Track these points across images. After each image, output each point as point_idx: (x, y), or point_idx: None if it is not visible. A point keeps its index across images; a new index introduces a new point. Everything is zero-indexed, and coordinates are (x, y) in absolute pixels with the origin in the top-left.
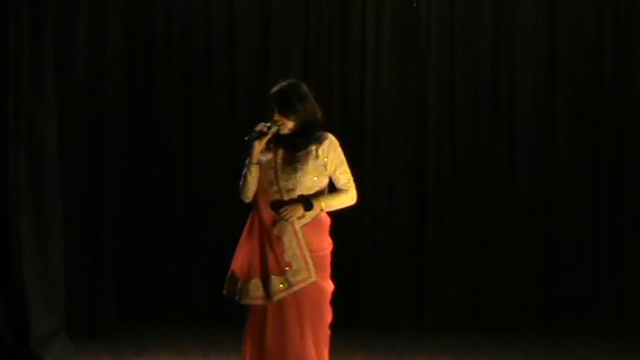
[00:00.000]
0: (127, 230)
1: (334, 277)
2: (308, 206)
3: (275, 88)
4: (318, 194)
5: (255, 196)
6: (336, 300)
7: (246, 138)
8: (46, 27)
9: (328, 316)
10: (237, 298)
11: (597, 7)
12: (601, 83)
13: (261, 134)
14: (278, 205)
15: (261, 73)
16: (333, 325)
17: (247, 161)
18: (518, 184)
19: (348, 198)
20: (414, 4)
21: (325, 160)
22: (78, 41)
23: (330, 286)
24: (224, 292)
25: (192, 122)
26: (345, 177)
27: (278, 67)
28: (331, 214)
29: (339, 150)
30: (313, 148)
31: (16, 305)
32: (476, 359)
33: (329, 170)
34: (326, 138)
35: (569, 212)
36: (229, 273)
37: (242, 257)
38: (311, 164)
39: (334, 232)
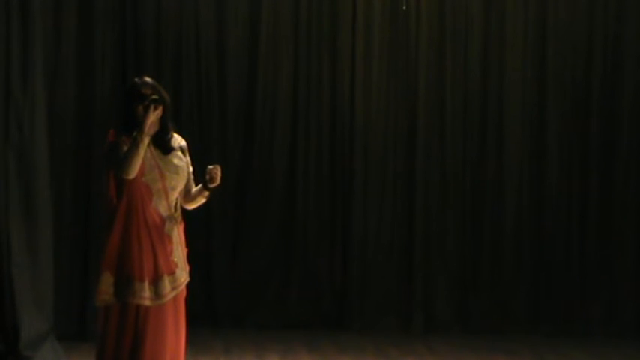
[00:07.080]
0: None
1: (323, 280)
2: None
3: (144, 79)
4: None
5: (130, 191)
6: (327, 303)
7: (150, 99)
8: (35, 31)
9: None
10: (122, 299)
11: (587, 13)
12: (590, 89)
13: (159, 101)
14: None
15: (250, 76)
16: (325, 327)
17: (135, 133)
18: (507, 188)
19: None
20: (404, 7)
21: (186, 161)
22: (67, 45)
23: None
24: (104, 296)
25: (181, 124)
26: (192, 180)
27: (268, 70)
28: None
29: None
30: (179, 149)
31: (5, 308)
32: None
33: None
34: (182, 140)
35: (558, 216)
36: (115, 276)
37: (130, 257)
38: (188, 163)
39: (325, 235)
